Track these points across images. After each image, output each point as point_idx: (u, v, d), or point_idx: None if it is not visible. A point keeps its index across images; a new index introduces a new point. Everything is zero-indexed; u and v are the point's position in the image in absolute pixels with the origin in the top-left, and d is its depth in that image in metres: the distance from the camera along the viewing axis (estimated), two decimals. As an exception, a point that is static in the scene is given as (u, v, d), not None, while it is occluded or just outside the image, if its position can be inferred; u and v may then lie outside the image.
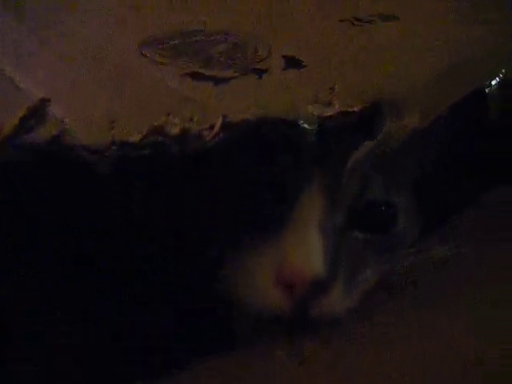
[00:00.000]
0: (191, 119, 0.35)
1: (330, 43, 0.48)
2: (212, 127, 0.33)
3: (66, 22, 0.49)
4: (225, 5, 0.56)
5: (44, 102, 0.34)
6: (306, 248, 0.34)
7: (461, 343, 0.36)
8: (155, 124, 0.34)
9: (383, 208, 0.38)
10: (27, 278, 0.33)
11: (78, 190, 0.33)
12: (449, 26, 0.47)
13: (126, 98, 0.37)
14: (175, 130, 0.34)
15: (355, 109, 0.36)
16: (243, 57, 0.45)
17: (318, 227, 0.35)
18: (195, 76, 0.41)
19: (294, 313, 0.34)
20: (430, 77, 0.40)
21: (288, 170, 0.34)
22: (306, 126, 0.34)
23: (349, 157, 0.35)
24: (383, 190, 0.37)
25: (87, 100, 0.36)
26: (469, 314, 0.38)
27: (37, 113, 0.33)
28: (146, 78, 0.41)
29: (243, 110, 0.35)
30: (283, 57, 0.45)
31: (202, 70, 0.42)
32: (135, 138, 0.33)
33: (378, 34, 0.48)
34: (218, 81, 0.40)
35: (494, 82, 0.43)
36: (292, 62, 0.44)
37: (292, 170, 0.34)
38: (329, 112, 0.36)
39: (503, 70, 0.43)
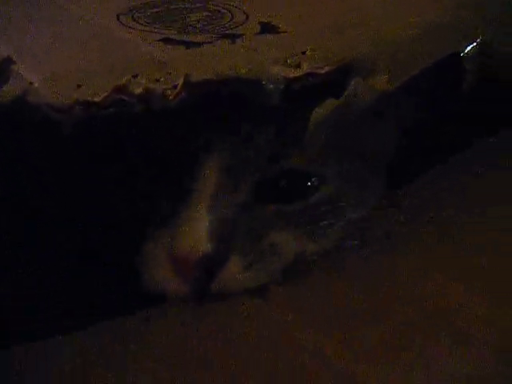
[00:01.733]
0: (157, 80, 0.35)
1: (306, 10, 0.48)
2: (175, 87, 0.33)
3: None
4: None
5: (8, 60, 0.34)
6: (192, 229, 0.34)
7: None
8: (119, 83, 0.33)
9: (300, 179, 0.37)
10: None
11: (42, 150, 0.33)
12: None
13: (94, 60, 0.37)
14: (139, 90, 0.33)
15: (322, 70, 0.36)
16: (219, 24, 0.45)
17: (207, 206, 0.35)
18: (168, 41, 0.41)
19: (193, 294, 0.34)
20: (402, 39, 0.39)
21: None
22: (270, 85, 0.34)
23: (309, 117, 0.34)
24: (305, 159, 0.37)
25: (53, 60, 0.36)
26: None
27: (2, 70, 0.33)
28: (117, 43, 0.41)
29: (209, 71, 0.35)
30: (259, 23, 0.45)
31: (175, 36, 0.42)
32: (99, 97, 0.33)
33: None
34: (189, 45, 0.40)
35: (470, 47, 0.42)
36: (267, 28, 0.44)
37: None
38: (296, 73, 0.36)
39: (480, 35, 0.42)
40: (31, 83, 0.34)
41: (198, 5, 0.49)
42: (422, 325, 0.32)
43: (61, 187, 0.34)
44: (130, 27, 0.44)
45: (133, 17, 0.46)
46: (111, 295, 0.35)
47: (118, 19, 0.46)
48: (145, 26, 0.44)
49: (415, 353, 0.31)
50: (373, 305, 0.33)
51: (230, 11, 0.47)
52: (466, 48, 0.42)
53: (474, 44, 0.42)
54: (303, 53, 0.39)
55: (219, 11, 0.47)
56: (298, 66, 0.38)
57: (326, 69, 0.37)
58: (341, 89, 0.35)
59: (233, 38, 0.42)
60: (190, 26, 0.44)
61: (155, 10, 0.48)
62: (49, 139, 0.33)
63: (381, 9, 0.47)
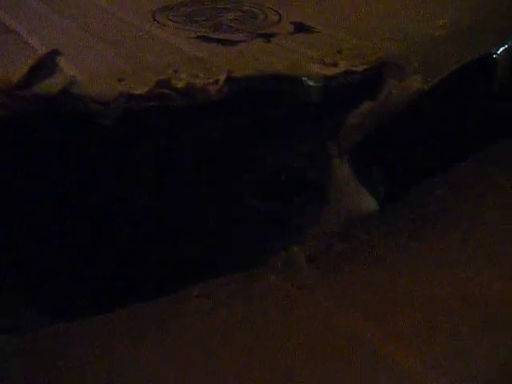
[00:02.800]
0: (197, 75, 0.35)
1: (338, 10, 0.48)
2: (217, 82, 0.34)
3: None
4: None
5: (53, 54, 0.34)
6: None
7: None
8: (161, 78, 0.34)
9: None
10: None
11: (84, 142, 0.34)
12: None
13: (134, 57, 0.38)
14: (181, 84, 0.34)
15: (359, 68, 0.36)
16: (253, 23, 0.45)
17: None
18: (203, 39, 0.42)
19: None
20: (435, 40, 0.40)
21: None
22: (309, 82, 0.34)
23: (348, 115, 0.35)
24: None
25: (96, 57, 0.37)
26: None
27: (46, 64, 0.34)
28: (155, 40, 0.41)
29: (249, 67, 0.35)
30: (292, 23, 0.45)
31: (210, 34, 0.43)
32: (141, 90, 0.34)
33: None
34: (225, 43, 0.41)
35: (501, 49, 0.43)
36: (301, 28, 0.44)
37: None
38: (334, 71, 0.36)
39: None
40: (73, 77, 0.34)
41: (231, 5, 0.49)
42: (455, 308, 0.33)
43: (101, 179, 0.34)
44: (164, 25, 0.45)
45: (167, 15, 0.47)
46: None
47: (154, 17, 0.46)
48: (179, 24, 0.45)
49: (448, 335, 0.31)
50: (407, 289, 0.34)
51: (263, 11, 0.48)
52: (497, 49, 0.42)
53: (506, 46, 0.43)
54: (339, 51, 0.40)
55: (252, 11, 0.48)
56: (335, 64, 0.38)
57: (364, 67, 0.37)
58: (376, 88, 0.36)
59: (267, 37, 0.42)
60: (224, 24, 0.45)
61: (188, 9, 0.48)
62: (90, 131, 0.34)
63: (411, 10, 0.47)
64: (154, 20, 0.46)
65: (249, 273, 0.34)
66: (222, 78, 0.33)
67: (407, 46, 0.40)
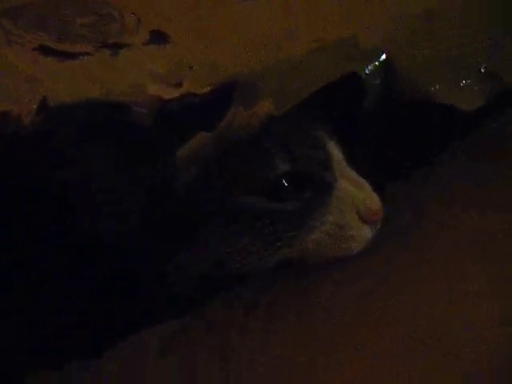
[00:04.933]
0: (17, 100, 0.31)
1: (210, 18, 0.44)
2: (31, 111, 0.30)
3: None
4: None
5: None
6: None
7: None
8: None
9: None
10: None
11: None
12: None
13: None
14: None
15: (202, 91, 0.33)
16: (106, 30, 0.41)
17: None
18: (43, 51, 0.37)
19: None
20: (292, 60, 0.36)
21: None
22: (139, 109, 0.31)
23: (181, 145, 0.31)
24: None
25: None
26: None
27: None
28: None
29: (71, 91, 0.31)
30: (150, 31, 0.41)
31: (52, 44, 0.38)
32: None
33: (259, 10, 0.45)
34: (65, 56, 0.36)
35: (370, 67, 0.40)
36: (158, 37, 0.40)
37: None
38: (172, 94, 0.33)
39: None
40: None
41: (89, 6, 0.44)
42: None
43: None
44: (7, 32, 0.40)
45: (14, 19, 0.42)
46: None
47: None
48: (25, 30, 0.40)
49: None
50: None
51: (122, 15, 0.43)
52: (365, 68, 0.39)
53: (375, 63, 0.40)
54: (190, 67, 0.36)
55: (111, 14, 0.43)
56: (179, 84, 0.34)
57: (207, 88, 0.33)
58: (219, 114, 0.32)
59: (116, 48, 0.38)
60: (73, 32, 0.40)
61: (41, 10, 0.44)
62: None
63: (287, 24, 0.44)
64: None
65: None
66: (35, 106, 0.29)
67: (264, 63, 0.36)
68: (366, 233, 0.39)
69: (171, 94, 0.33)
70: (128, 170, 0.31)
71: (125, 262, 0.33)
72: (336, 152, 0.39)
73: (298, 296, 0.38)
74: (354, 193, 0.38)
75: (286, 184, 0.37)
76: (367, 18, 0.44)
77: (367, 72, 0.39)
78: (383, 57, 0.41)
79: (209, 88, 0.33)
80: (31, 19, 0.42)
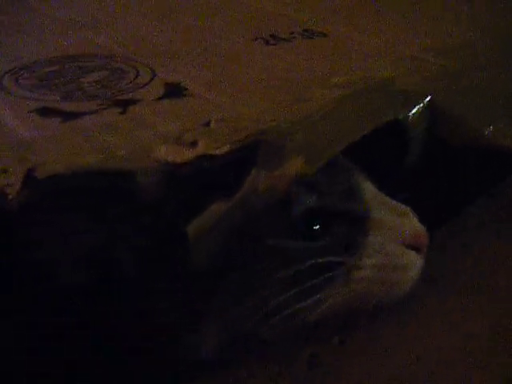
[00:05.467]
0: (5, 171, 0.27)
1: (230, 68, 0.40)
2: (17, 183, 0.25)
3: None
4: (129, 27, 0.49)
5: None
6: None
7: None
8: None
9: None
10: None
11: None
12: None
13: None
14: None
15: (217, 152, 0.28)
16: (116, 86, 0.37)
17: None
18: (44, 111, 0.33)
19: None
20: (322, 110, 0.31)
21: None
22: (145, 177, 0.26)
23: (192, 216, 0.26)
24: None
25: None
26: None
27: None
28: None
29: (68, 157, 0.27)
30: (165, 84, 0.37)
31: (57, 104, 0.34)
32: None
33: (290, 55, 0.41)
34: (68, 116, 0.32)
35: (413, 111, 0.35)
36: (173, 90, 0.36)
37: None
38: (186, 156, 0.28)
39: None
40: None
41: (99, 62, 0.41)
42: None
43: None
44: (8, 92, 0.37)
45: (17, 78, 0.38)
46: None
47: (1, 82, 0.38)
48: (27, 90, 0.37)
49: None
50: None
51: (135, 68, 0.39)
52: (407, 113, 0.34)
53: (418, 107, 0.34)
54: (207, 124, 0.32)
55: (122, 69, 0.39)
56: (195, 143, 0.30)
57: (225, 148, 0.29)
58: (238, 180, 0.27)
59: (125, 105, 0.34)
60: (81, 89, 0.37)
61: (48, 68, 0.40)
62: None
63: (312, 68, 0.39)
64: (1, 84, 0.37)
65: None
66: (20, 178, 0.25)
67: (293, 116, 0.32)
68: (416, 259, 0.34)
69: (184, 156, 0.28)
70: (133, 250, 0.27)
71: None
72: (367, 183, 0.34)
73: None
74: (396, 221, 0.34)
75: (314, 220, 0.32)
76: (401, 53, 0.39)
77: (411, 117, 0.34)
78: (428, 98, 0.36)
79: (228, 147, 0.29)
80: (36, 78, 0.39)
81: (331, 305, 0.31)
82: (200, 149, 0.29)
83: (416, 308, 0.35)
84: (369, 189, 0.35)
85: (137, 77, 0.38)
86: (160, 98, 0.35)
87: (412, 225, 0.34)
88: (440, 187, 0.38)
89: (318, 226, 0.33)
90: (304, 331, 0.33)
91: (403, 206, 0.35)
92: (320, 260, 0.31)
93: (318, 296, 0.31)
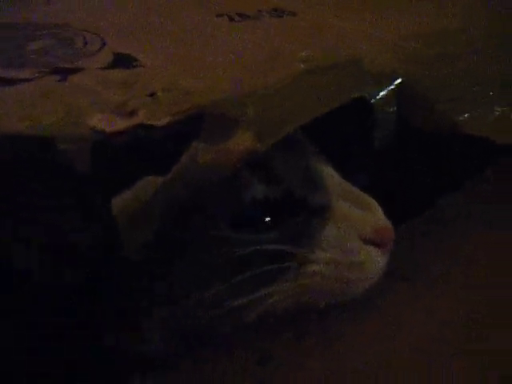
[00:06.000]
0: None
1: (185, 39, 0.37)
2: None
3: None
4: None
5: None
6: None
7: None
8: None
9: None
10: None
11: None
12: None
13: None
14: None
15: (158, 123, 0.25)
16: (62, 53, 0.34)
17: None
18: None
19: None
20: (279, 85, 0.28)
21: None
22: (67, 146, 0.23)
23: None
24: None
25: None
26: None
27: None
28: None
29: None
30: (114, 53, 0.34)
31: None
32: None
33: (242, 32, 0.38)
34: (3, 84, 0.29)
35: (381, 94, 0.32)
36: (122, 60, 0.33)
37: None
38: (120, 125, 0.25)
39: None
40: None
41: (49, 30, 0.38)
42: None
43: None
44: None
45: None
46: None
47: None
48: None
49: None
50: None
51: (85, 38, 0.36)
52: (374, 93, 0.31)
53: (386, 88, 0.32)
54: (151, 95, 0.29)
55: (71, 38, 0.36)
56: (134, 113, 0.27)
57: (166, 120, 0.26)
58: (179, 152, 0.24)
59: (66, 73, 0.31)
60: (22, 57, 0.33)
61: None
62: None
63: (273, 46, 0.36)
64: None
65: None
66: None
67: (246, 88, 0.29)
68: (377, 257, 0.31)
69: (118, 125, 0.25)
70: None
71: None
72: (328, 169, 0.31)
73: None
74: (357, 213, 0.31)
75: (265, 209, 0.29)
76: (376, 36, 0.36)
77: (378, 98, 0.31)
78: (398, 81, 0.33)
79: (169, 118, 0.26)
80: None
81: (279, 298, 0.28)
82: (139, 118, 0.26)
83: (385, 301, 0.32)
84: (330, 175, 0.32)
85: (85, 46, 0.35)
86: (106, 68, 0.32)
87: (375, 218, 0.31)
88: (410, 176, 0.35)
89: (268, 218, 0.30)
90: (255, 325, 0.30)
91: (367, 197, 0.32)
92: (268, 249, 0.27)
93: (265, 288, 0.28)
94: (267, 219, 0.29)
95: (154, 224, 0.24)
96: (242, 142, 0.26)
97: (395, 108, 0.32)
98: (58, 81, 0.31)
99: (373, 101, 0.31)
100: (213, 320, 0.29)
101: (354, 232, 0.31)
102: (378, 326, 0.32)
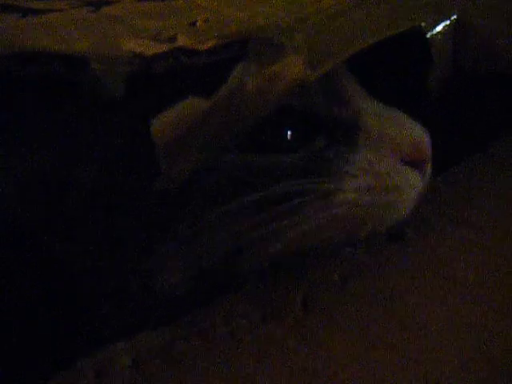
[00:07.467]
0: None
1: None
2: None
3: None
4: None
5: None
6: None
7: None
8: None
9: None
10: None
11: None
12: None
13: None
14: None
15: (199, 47, 0.23)
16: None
17: None
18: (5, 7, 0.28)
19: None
20: (330, 12, 0.26)
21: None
22: (100, 66, 0.21)
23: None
24: None
25: None
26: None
27: None
28: None
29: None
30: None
31: (20, 3, 0.29)
32: None
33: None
34: (26, 12, 0.27)
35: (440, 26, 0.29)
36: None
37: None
38: (158, 49, 0.23)
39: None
40: None
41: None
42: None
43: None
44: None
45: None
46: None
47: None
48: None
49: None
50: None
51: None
52: (432, 25, 0.29)
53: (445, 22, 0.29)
54: (192, 24, 0.26)
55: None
56: (173, 39, 0.24)
57: (208, 44, 0.23)
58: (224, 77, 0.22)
59: (99, 5, 0.29)
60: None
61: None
62: None
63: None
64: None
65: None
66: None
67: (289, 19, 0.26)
68: (415, 180, 0.27)
69: (157, 49, 0.23)
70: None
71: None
72: (358, 87, 0.28)
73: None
74: (391, 132, 0.28)
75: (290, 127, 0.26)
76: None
77: (434, 32, 0.29)
78: (454, 16, 0.30)
79: (212, 42, 0.23)
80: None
81: (310, 231, 0.26)
82: (178, 43, 0.24)
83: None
84: (360, 93, 0.29)
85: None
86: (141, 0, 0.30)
87: (412, 136, 0.28)
88: (460, 118, 0.32)
89: (292, 134, 0.27)
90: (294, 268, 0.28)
91: (402, 114, 0.29)
92: (294, 181, 0.25)
93: (292, 219, 0.25)
94: (290, 135, 0.27)
95: (197, 152, 0.22)
96: (292, 67, 0.24)
97: (452, 44, 0.30)
98: (91, 11, 0.29)
99: (429, 35, 0.29)
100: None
101: (388, 151, 0.28)
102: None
